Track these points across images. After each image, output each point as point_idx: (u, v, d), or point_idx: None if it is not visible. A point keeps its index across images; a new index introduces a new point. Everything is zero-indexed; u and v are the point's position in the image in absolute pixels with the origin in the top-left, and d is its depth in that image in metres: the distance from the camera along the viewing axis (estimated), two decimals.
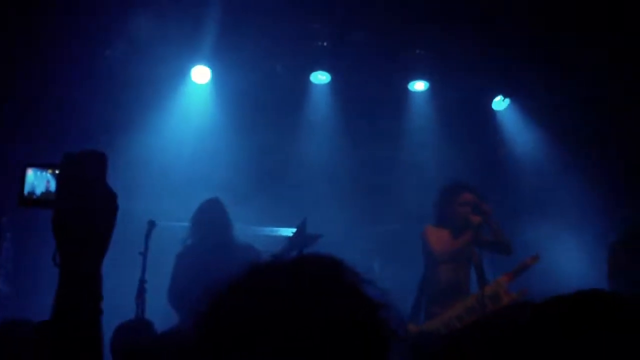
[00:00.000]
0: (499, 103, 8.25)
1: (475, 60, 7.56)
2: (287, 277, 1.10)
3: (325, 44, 7.58)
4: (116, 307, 5.70)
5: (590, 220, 7.56)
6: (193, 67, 7.66)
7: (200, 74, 7.73)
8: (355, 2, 6.98)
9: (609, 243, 6.40)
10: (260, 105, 7.89)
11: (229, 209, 6.12)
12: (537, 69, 7.52)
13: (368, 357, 1.06)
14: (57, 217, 1.50)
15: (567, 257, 7.46)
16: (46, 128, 7.19)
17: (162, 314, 5.41)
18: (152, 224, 5.82)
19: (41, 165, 1.64)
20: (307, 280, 1.09)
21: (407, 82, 8.11)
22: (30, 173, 1.63)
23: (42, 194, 1.62)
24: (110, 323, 4.59)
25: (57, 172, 1.61)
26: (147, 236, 5.76)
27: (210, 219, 6.01)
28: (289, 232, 6.04)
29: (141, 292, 5.54)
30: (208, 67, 7.66)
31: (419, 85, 8.13)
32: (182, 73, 7.71)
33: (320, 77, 7.98)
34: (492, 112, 8.34)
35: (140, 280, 5.58)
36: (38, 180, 1.63)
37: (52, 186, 1.61)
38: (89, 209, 1.50)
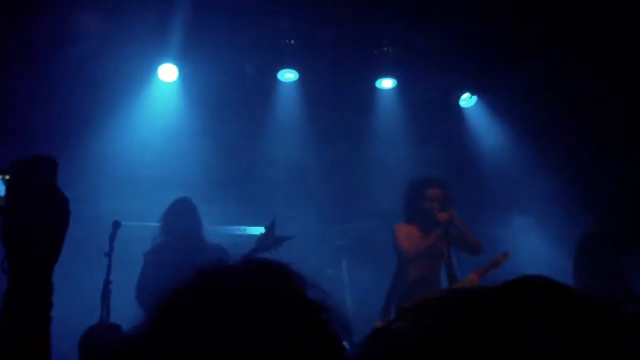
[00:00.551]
0: (467, 100, 8.30)
1: (442, 58, 7.60)
2: (233, 280, 1.12)
3: (292, 42, 7.57)
4: (82, 309, 5.65)
5: (556, 215, 7.65)
6: (160, 65, 7.59)
7: (168, 72, 7.66)
8: (323, 0, 6.97)
9: (577, 241, 6.50)
10: (228, 103, 7.86)
11: (198, 208, 6.10)
12: (504, 66, 7.58)
13: (311, 357, 1.07)
14: (6, 223, 1.47)
15: (535, 253, 7.55)
16: (8, 128, 7.07)
17: (128, 314, 5.35)
18: (117, 225, 5.78)
19: None
20: (252, 284, 1.11)
21: (375, 80, 8.13)
22: None
23: None
24: (76, 324, 4.54)
25: (7, 177, 1.57)
26: (112, 237, 5.72)
27: (180, 218, 6.00)
28: (258, 231, 6.03)
29: (106, 293, 5.49)
30: (175, 65, 7.60)
31: (386, 83, 8.15)
32: (149, 71, 7.64)
33: (288, 75, 7.96)
34: (460, 109, 8.39)
35: (105, 281, 5.53)
36: None
37: (2, 191, 1.57)
38: (39, 215, 1.48)
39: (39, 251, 1.48)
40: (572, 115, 7.77)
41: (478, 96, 8.26)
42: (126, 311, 5.54)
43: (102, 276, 5.56)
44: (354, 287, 7.32)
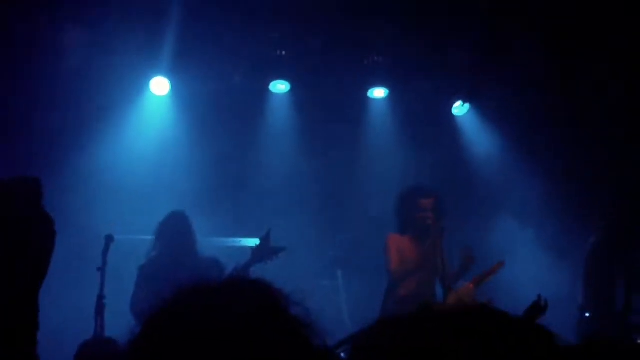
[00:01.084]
0: (459, 108, 8.31)
1: (434, 67, 7.62)
2: (215, 299, 1.13)
3: (284, 52, 7.57)
4: (77, 324, 5.62)
5: (549, 221, 7.67)
6: (152, 78, 7.58)
7: (159, 86, 7.65)
8: (314, 11, 6.98)
9: (588, 248, 6.50)
10: (220, 115, 7.85)
11: (192, 221, 6.09)
12: (497, 75, 7.61)
13: None
14: None
15: (528, 259, 7.55)
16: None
17: (123, 329, 5.32)
18: (110, 239, 5.74)
19: None
20: (234, 303, 1.12)
21: (367, 89, 8.13)
22: None
23: None
24: (71, 340, 4.51)
25: None
26: (105, 251, 5.68)
27: (175, 231, 6.00)
28: (252, 242, 6.02)
29: (100, 309, 5.46)
30: (167, 78, 7.59)
31: (378, 92, 8.15)
32: (141, 84, 7.63)
33: (280, 87, 7.95)
34: (452, 118, 8.40)
35: (99, 296, 5.50)
36: None
37: None
38: (22, 238, 1.48)
39: (22, 274, 1.48)
40: (565, 122, 7.81)
41: (470, 104, 8.27)
42: (121, 325, 5.52)
43: (96, 291, 5.52)
44: (350, 298, 7.30)
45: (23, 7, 6.55)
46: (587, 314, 6.43)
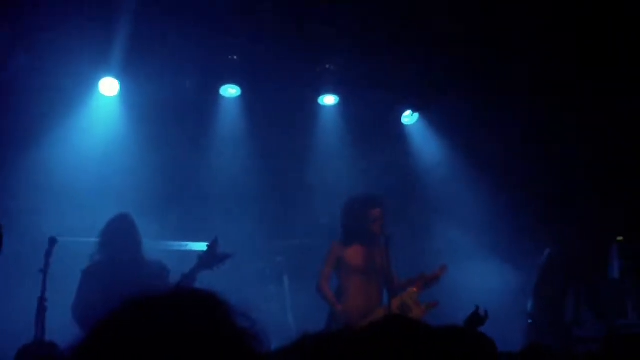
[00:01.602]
0: (409, 117, 8.41)
1: (384, 76, 7.70)
2: (161, 311, 1.14)
3: (235, 57, 7.56)
4: (17, 327, 5.51)
5: (493, 228, 7.81)
6: (101, 79, 7.48)
7: (109, 87, 7.56)
8: (266, 16, 6.99)
9: (543, 260, 6.66)
10: (169, 117, 7.79)
11: (138, 224, 6.02)
12: (446, 85, 7.72)
13: None
14: None
15: (472, 266, 7.68)
16: None
17: (64, 333, 5.25)
18: (53, 241, 5.64)
19: None
20: (179, 315, 1.13)
21: (318, 96, 8.17)
22: None
23: None
24: (11, 343, 4.43)
25: None
26: (48, 254, 5.58)
27: (120, 234, 5.91)
28: (199, 246, 5.97)
29: (41, 311, 5.36)
30: (116, 79, 7.50)
31: (329, 99, 8.20)
32: (90, 85, 7.52)
33: (231, 91, 7.94)
34: (402, 126, 8.49)
35: (40, 299, 5.40)
36: None
37: None
38: None
39: None
40: (513, 131, 7.97)
41: (420, 113, 8.37)
42: (62, 329, 5.44)
43: (38, 294, 5.42)
44: (295, 304, 7.31)
45: None
46: (535, 322, 6.58)
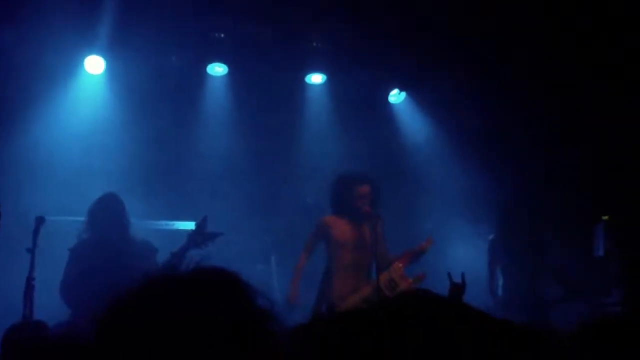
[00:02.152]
0: (395, 96, 8.41)
1: (371, 54, 7.69)
2: (183, 290, 1.13)
3: (222, 35, 7.52)
4: (4, 306, 5.51)
5: (479, 207, 7.85)
6: (87, 57, 7.43)
7: (94, 64, 7.51)
8: None
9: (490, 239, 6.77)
10: (157, 96, 7.75)
11: (126, 203, 6.01)
12: (433, 64, 7.72)
13: None
14: None
15: (459, 247, 7.73)
16: None
17: (52, 311, 5.26)
18: (40, 220, 5.64)
19: None
20: (201, 294, 1.12)
21: (305, 75, 8.15)
22: None
23: None
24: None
25: None
26: (35, 232, 5.58)
27: (107, 213, 5.91)
28: (187, 226, 5.97)
29: (29, 290, 5.36)
30: (102, 57, 7.45)
31: (316, 78, 8.19)
32: (75, 62, 7.47)
33: (218, 69, 7.90)
34: (389, 105, 8.49)
35: (28, 278, 5.40)
36: None
37: None
38: None
39: None
40: (500, 112, 7.99)
41: (407, 92, 8.37)
42: (50, 308, 5.45)
43: (25, 273, 5.42)
44: (282, 283, 7.33)
45: None
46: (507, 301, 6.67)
